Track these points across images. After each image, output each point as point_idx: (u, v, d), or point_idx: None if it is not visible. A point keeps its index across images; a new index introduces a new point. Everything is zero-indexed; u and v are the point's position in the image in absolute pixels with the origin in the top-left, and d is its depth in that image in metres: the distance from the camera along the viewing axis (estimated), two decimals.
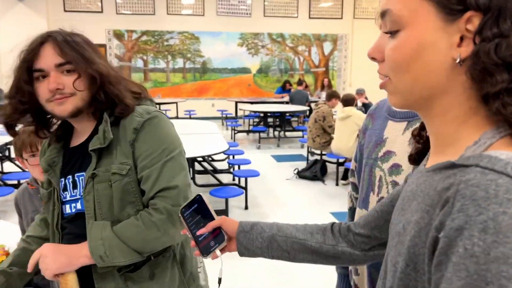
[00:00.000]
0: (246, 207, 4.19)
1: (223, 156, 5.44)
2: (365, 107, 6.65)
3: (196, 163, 4.54)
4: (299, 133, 8.33)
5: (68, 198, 1.11)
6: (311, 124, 5.29)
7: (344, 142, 4.75)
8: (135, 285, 1.07)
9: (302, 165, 5.80)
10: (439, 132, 0.51)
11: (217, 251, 0.82)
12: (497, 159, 0.40)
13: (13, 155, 5.41)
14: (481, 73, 0.43)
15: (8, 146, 4.53)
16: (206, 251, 0.82)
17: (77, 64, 1.01)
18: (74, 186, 1.10)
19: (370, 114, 1.17)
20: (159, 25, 10.59)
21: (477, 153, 0.43)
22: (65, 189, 1.12)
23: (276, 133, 8.29)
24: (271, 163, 6.20)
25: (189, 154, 1.54)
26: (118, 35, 10.49)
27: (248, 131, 8.43)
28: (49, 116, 1.12)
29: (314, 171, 5.27)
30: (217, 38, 10.95)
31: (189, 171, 1.35)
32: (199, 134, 4.66)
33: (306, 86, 10.36)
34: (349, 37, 11.44)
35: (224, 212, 3.70)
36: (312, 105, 7.93)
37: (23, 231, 1.74)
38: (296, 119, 9.92)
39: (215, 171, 4.74)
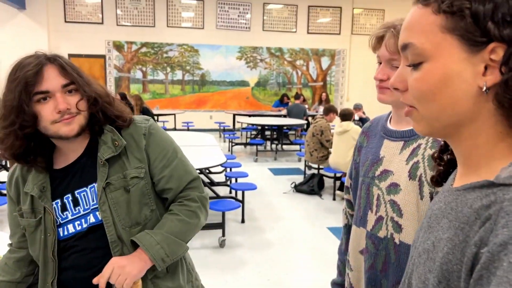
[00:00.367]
0: (243, 221, 4.16)
1: (220, 169, 5.43)
2: (362, 121, 6.68)
3: None
4: (297, 147, 8.34)
5: (69, 218, 1.11)
6: (308, 138, 5.30)
7: (341, 156, 4.76)
8: (158, 280, 1.13)
9: (299, 178, 5.79)
10: (469, 155, 0.53)
11: None
12: None
13: (9, 164, 5.38)
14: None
15: None
16: None
17: (79, 85, 1.04)
18: (76, 204, 1.10)
19: (364, 132, 1.18)
20: (158, 37, 10.67)
21: None
22: (64, 209, 1.11)
23: (274, 146, 8.30)
24: (268, 176, 6.19)
25: None
26: (118, 46, 10.55)
27: (245, 144, 8.44)
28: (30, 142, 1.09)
29: (311, 185, 5.26)
30: (216, 51, 11.04)
31: None
32: (196, 146, 4.66)
33: (304, 100, 10.41)
34: (346, 52, 11.55)
35: (220, 225, 3.67)
36: (310, 119, 7.96)
37: None
38: (293, 132, 9.94)
39: (212, 183, 4.72)
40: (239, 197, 4.37)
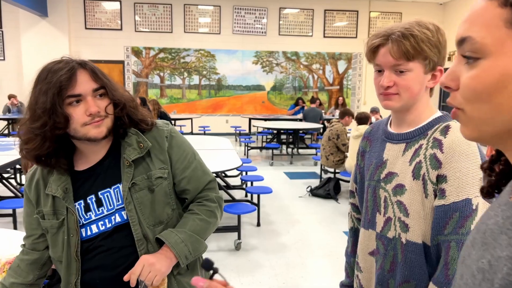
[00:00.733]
0: (258, 224, 4.18)
1: (236, 172, 5.46)
2: None
3: None
4: (313, 151, 8.31)
5: (93, 218, 1.14)
6: (324, 142, 5.28)
7: None
8: (180, 277, 1.18)
9: (315, 182, 5.78)
10: None
11: None
12: None
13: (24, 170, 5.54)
14: None
15: None
16: None
17: (108, 89, 1.08)
18: (99, 204, 1.14)
19: (366, 137, 1.21)
20: (176, 43, 10.82)
21: None
22: (87, 210, 1.14)
23: (289, 150, 8.30)
24: (284, 180, 6.19)
25: None
26: (136, 52, 10.74)
27: (261, 148, 8.46)
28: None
29: (327, 189, 5.24)
30: (232, 56, 11.12)
31: None
32: (213, 150, 4.70)
33: (320, 104, 10.38)
34: (363, 56, 11.47)
35: (236, 228, 3.70)
36: (326, 123, 7.93)
37: None
38: (309, 136, 9.92)
39: (228, 187, 4.75)
40: (255, 200, 4.39)
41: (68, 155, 1.14)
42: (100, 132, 1.07)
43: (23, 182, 5.32)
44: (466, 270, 0.52)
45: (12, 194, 4.31)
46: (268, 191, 4.10)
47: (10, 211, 3.78)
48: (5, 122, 9.52)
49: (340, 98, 10.71)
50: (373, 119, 6.70)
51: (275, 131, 8.66)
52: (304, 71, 11.51)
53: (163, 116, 6.68)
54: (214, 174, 4.94)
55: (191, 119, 9.95)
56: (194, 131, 10.17)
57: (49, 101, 1.00)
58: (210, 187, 1.24)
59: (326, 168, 5.75)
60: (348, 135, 5.18)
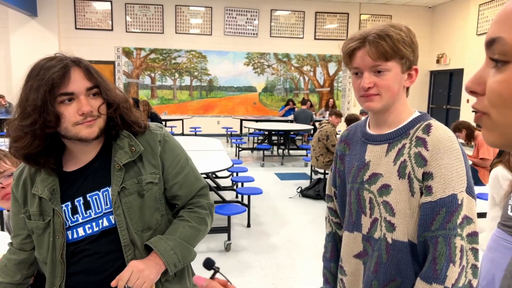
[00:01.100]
0: (249, 225, 4.19)
1: (227, 173, 5.47)
2: None
3: None
4: (303, 152, 8.36)
5: (80, 221, 1.10)
6: (314, 143, 5.33)
7: None
8: (167, 284, 1.15)
9: (305, 183, 5.81)
10: None
11: None
12: None
13: None
14: None
15: None
16: None
17: (102, 89, 1.05)
18: (87, 207, 1.10)
19: (343, 141, 1.21)
20: (167, 44, 10.80)
21: None
22: (74, 212, 1.10)
23: (280, 151, 8.33)
24: (274, 181, 6.22)
25: None
26: (127, 53, 10.69)
27: (252, 149, 8.48)
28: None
29: (317, 190, 5.28)
30: (224, 57, 11.13)
31: None
32: (203, 151, 4.71)
33: (311, 106, 10.44)
34: None
35: (226, 229, 3.71)
36: (317, 124, 7.98)
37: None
38: (300, 137, 9.96)
39: (219, 188, 4.76)
40: (245, 201, 4.40)
41: (57, 154, 1.11)
42: (92, 132, 1.04)
43: None
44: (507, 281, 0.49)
45: None
46: (258, 192, 4.12)
47: None
48: None
49: (331, 100, 10.78)
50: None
51: (266, 132, 8.69)
52: (295, 72, 11.56)
53: (154, 117, 6.66)
54: (204, 175, 4.96)
55: (182, 120, 9.94)
56: (185, 132, 10.16)
57: (40, 98, 0.97)
58: (202, 193, 1.21)
59: (316, 169, 5.79)
60: (337, 136, 5.23)
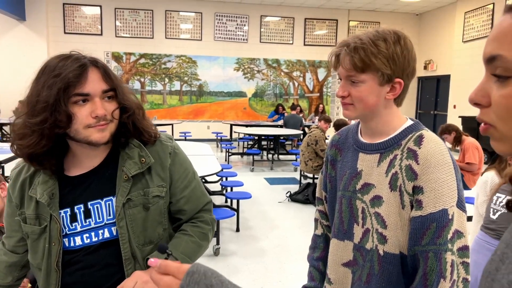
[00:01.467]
0: (238, 229, 4.20)
1: (216, 178, 5.47)
2: None
3: None
4: (293, 157, 8.40)
5: (78, 229, 1.04)
6: (303, 147, 5.36)
7: None
8: None
9: (294, 188, 5.84)
10: None
11: None
12: None
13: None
14: None
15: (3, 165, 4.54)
16: None
17: (118, 93, 1.01)
18: (87, 216, 1.04)
19: (334, 146, 1.19)
20: (157, 49, 10.79)
21: None
22: (73, 219, 1.04)
23: (270, 156, 8.35)
24: (264, 186, 6.23)
25: None
26: (117, 57, 10.66)
27: (242, 154, 8.49)
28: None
29: (306, 195, 5.31)
30: (214, 62, 11.16)
31: None
32: (193, 156, 4.71)
33: (301, 111, 10.51)
34: None
35: (215, 233, 3.71)
36: (306, 129, 8.04)
37: None
38: (290, 142, 10.01)
39: (208, 192, 4.76)
40: (234, 206, 4.41)
41: (59, 156, 1.05)
42: (103, 137, 0.99)
43: None
44: (495, 284, 0.52)
45: None
46: (247, 196, 4.13)
47: None
48: None
49: (321, 106, 10.87)
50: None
51: (256, 137, 8.71)
52: (285, 78, 11.64)
53: None
54: None
55: (172, 125, 9.91)
56: (175, 137, 10.07)
57: (53, 96, 0.92)
58: (207, 208, 1.18)
59: (305, 173, 5.82)
60: (326, 141, 5.27)
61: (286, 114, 9.95)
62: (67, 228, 1.04)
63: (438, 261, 0.91)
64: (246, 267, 3.36)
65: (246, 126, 9.61)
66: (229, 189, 5.13)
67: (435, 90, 11.41)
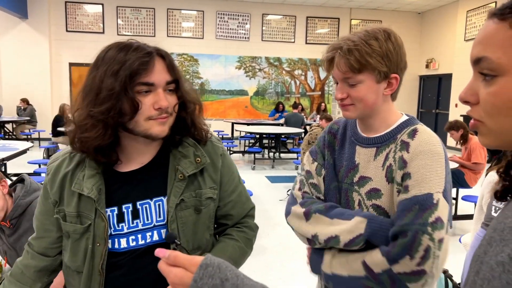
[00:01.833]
0: None
1: None
2: None
3: None
4: (294, 155, 8.41)
5: (125, 231, 0.97)
6: (304, 146, 5.37)
7: None
8: None
9: None
10: None
11: None
12: None
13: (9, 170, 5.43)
14: None
15: (5, 162, 4.56)
16: None
17: (181, 86, 0.97)
18: (135, 216, 0.97)
19: (332, 133, 1.19)
20: (159, 47, 10.77)
21: None
22: (120, 220, 0.97)
23: (271, 154, 8.37)
24: (265, 184, 6.25)
25: None
26: None
27: (243, 152, 8.51)
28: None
29: None
30: (215, 61, 11.16)
31: None
32: None
33: (302, 109, 10.51)
34: None
35: None
36: (308, 128, 8.04)
37: None
38: (291, 141, 10.02)
39: None
40: None
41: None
42: (163, 130, 0.94)
43: None
44: (484, 266, 0.54)
45: None
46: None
47: None
48: None
49: (323, 104, 10.86)
50: None
51: (257, 136, 8.72)
52: (287, 76, 11.64)
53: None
54: None
55: None
56: None
57: (119, 84, 0.86)
58: (251, 214, 1.13)
59: None
60: None
61: (285, 114, 9.95)
62: (112, 229, 0.97)
63: (413, 239, 0.88)
64: (247, 265, 3.34)
65: (248, 124, 9.62)
66: None
67: (436, 89, 11.39)
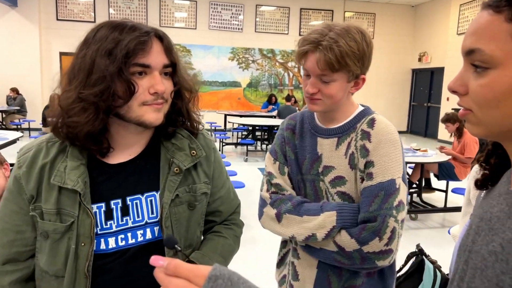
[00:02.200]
0: None
1: None
2: None
3: None
4: None
5: (114, 229, 0.88)
6: None
7: None
8: None
9: None
10: None
11: None
12: None
13: None
14: None
15: None
16: None
17: (178, 70, 0.90)
18: (125, 213, 0.89)
19: (290, 129, 1.21)
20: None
21: None
22: (109, 217, 0.87)
23: (264, 146, 8.37)
24: (257, 176, 6.26)
25: None
26: None
27: (236, 144, 8.50)
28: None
29: None
30: (208, 51, 11.09)
31: None
32: None
33: (295, 102, 10.51)
34: None
35: None
36: None
37: None
38: None
39: None
40: None
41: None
42: (158, 118, 0.85)
43: None
44: (474, 255, 0.54)
45: None
46: (240, 186, 4.15)
47: None
48: None
49: None
50: None
51: (250, 128, 8.72)
52: (280, 68, 11.61)
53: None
54: None
55: None
56: None
57: (115, 64, 0.78)
58: (238, 211, 1.11)
59: None
60: None
61: (278, 103, 9.94)
62: (99, 227, 0.87)
63: (382, 223, 0.99)
64: (237, 256, 3.36)
65: (241, 116, 9.61)
66: None
67: (429, 83, 11.45)
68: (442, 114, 10.02)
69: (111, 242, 0.88)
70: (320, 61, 1.01)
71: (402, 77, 11.95)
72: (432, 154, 4.55)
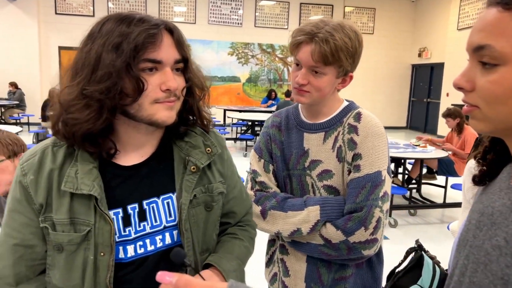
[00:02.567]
0: None
1: None
2: None
3: None
4: None
5: (132, 236, 0.82)
6: None
7: None
8: None
9: None
10: None
11: None
12: None
13: None
14: None
15: None
16: None
17: (189, 66, 0.86)
18: (142, 218, 0.83)
19: (275, 126, 1.23)
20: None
21: None
22: (127, 223, 0.81)
23: None
24: None
25: None
26: None
27: (235, 139, 8.50)
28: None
29: None
30: (207, 46, 11.05)
31: None
32: None
33: None
34: None
35: None
36: None
37: None
38: None
39: None
40: None
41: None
42: (171, 116, 0.80)
43: None
44: (475, 250, 0.54)
45: None
46: None
47: None
48: None
49: None
50: None
51: (249, 123, 8.70)
52: (279, 63, 11.58)
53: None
54: None
55: None
56: None
57: (123, 59, 0.73)
58: (251, 212, 1.05)
59: None
60: None
61: (277, 98, 9.92)
62: (117, 234, 0.80)
63: (368, 213, 1.02)
64: None
65: (240, 111, 9.59)
66: None
67: (428, 78, 11.43)
68: (442, 110, 10.02)
69: (130, 250, 0.81)
70: (315, 53, 1.02)
71: (402, 72, 11.93)
72: (432, 150, 4.55)
